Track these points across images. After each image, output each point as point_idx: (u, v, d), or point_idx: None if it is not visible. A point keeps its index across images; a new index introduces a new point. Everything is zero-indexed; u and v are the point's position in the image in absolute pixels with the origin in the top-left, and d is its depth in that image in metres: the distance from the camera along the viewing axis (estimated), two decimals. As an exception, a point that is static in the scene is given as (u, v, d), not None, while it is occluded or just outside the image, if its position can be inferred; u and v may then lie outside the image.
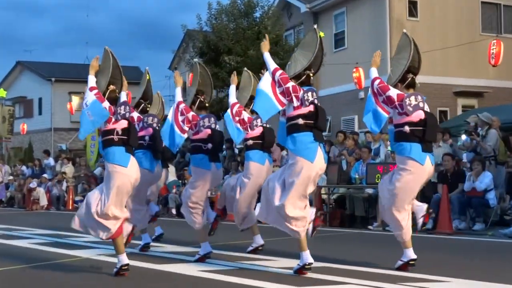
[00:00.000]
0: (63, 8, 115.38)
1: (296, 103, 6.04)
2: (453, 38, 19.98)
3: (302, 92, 6.05)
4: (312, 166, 5.97)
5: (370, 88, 6.35)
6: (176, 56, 31.40)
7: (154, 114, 8.06)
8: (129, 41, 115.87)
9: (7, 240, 9.78)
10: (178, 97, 7.08)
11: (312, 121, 6.02)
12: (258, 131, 7.68)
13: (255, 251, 7.75)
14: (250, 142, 7.63)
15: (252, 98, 7.36)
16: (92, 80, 6.29)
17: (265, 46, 6.44)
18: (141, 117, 7.94)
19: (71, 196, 19.47)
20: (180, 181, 16.97)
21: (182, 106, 7.08)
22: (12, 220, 14.77)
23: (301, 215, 6.05)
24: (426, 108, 6.31)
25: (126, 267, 6.18)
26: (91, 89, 6.21)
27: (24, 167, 23.78)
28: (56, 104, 36.23)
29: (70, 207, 19.02)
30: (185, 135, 7.14)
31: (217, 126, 7.19)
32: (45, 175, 21.54)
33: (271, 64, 6.25)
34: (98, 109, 6.09)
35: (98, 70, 6.41)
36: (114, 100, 6.30)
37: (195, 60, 8.06)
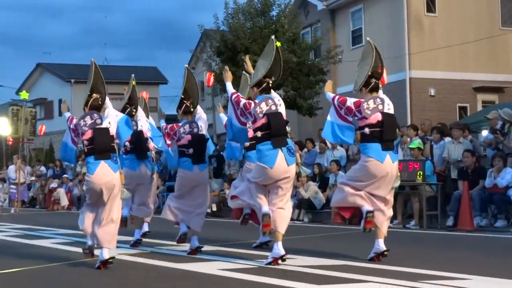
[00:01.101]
0: (81, 10, 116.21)
1: (250, 119, 6.65)
2: (472, 32, 19.81)
3: (253, 106, 6.61)
4: (272, 170, 6.51)
5: (332, 107, 6.93)
6: (194, 56, 31.46)
7: (131, 118, 8.38)
8: (146, 41, 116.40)
9: (30, 240, 9.89)
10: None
11: (267, 131, 6.51)
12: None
13: (261, 246, 8.09)
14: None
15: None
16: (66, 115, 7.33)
17: (228, 77, 7.20)
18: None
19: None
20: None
21: (163, 128, 7.80)
22: (34, 220, 14.93)
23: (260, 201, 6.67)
24: (388, 109, 6.78)
25: (110, 261, 6.68)
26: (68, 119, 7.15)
27: (43, 168, 24.01)
28: (75, 105, 36.40)
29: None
30: (172, 147, 7.79)
31: (200, 130, 7.71)
32: (66, 176, 21.73)
33: (229, 90, 6.98)
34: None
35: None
36: (96, 108, 6.90)
37: (186, 65, 8.21)
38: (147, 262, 7.10)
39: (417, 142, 12.05)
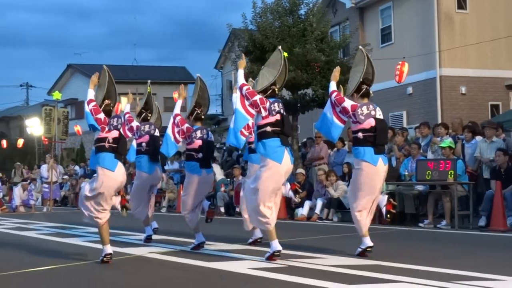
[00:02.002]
0: (111, 12, 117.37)
1: (264, 113, 6.92)
2: (504, 29, 19.51)
3: (269, 103, 6.94)
4: (280, 166, 6.84)
5: (328, 100, 7.26)
6: (222, 55, 31.57)
7: (151, 122, 9.19)
8: (175, 41, 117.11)
9: (62, 238, 10.03)
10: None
11: (279, 128, 6.89)
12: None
13: (255, 243, 8.46)
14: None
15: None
16: (90, 94, 7.38)
17: (241, 64, 7.42)
18: (138, 125, 9.01)
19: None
20: (228, 179, 17.08)
21: (178, 118, 8.11)
22: (66, 218, 15.14)
23: (268, 211, 6.95)
24: (379, 114, 7.15)
25: (109, 256, 7.05)
26: (89, 102, 7.30)
27: (77, 167, 24.32)
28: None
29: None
30: (179, 144, 8.23)
31: (210, 137, 8.16)
32: (96, 175, 21.94)
33: (240, 80, 7.18)
34: (88, 121, 7.28)
35: (98, 85, 7.48)
36: (108, 113, 7.33)
37: (198, 75, 8.49)
38: (179, 261, 7.15)
39: (448, 141, 11.92)
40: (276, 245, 6.85)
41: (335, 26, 22.84)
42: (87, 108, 7.25)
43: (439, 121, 17.12)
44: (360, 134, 7.03)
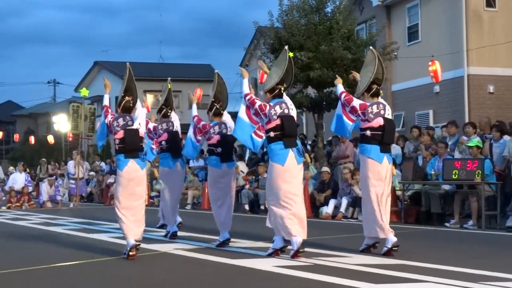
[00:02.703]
0: (137, 9, 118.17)
1: (265, 119, 7.15)
2: (534, 28, 19.20)
3: (268, 108, 7.12)
4: (283, 168, 7.03)
5: (339, 102, 7.52)
6: (247, 53, 31.56)
7: (167, 119, 9.41)
8: (201, 39, 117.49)
9: (88, 234, 10.13)
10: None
11: (280, 132, 7.07)
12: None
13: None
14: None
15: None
16: (106, 99, 7.79)
17: (245, 73, 7.77)
18: (155, 125, 9.35)
19: (147, 192, 19.92)
20: (253, 177, 17.09)
21: (195, 119, 8.45)
22: (92, 214, 15.28)
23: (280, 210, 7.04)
24: (388, 114, 7.36)
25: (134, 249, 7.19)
26: (103, 107, 7.69)
27: (102, 164, 24.51)
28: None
29: (146, 203, 19.47)
30: (200, 144, 8.52)
31: (229, 131, 8.27)
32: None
33: (245, 89, 7.47)
34: (101, 128, 7.62)
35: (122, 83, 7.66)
36: (128, 109, 7.51)
37: (216, 71, 8.74)
38: (203, 258, 7.18)
39: (476, 141, 11.78)
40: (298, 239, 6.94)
41: (361, 24, 22.71)
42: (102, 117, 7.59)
43: (466, 120, 16.92)
44: (368, 132, 7.24)
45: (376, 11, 22.53)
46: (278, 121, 7.12)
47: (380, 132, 7.21)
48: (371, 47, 7.83)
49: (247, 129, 7.53)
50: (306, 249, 7.17)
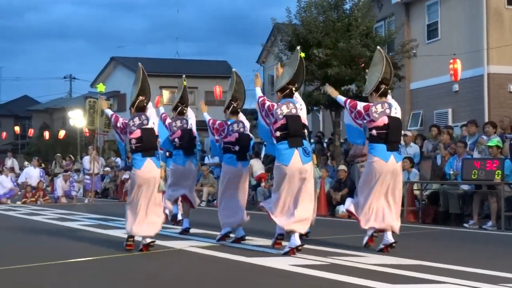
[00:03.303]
0: (153, 5, 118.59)
1: (272, 119, 7.29)
2: (556, 26, 18.98)
3: (275, 108, 7.26)
4: (287, 168, 7.12)
5: (345, 110, 7.70)
6: (264, 50, 31.53)
7: (181, 117, 9.50)
8: (217, 35, 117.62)
9: (104, 230, 10.20)
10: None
11: (285, 131, 7.17)
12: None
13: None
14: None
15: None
16: (109, 111, 8.46)
17: (258, 82, 7.90)
18: (171, 122, 9.41)
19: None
20: (270, 174, 17.08)
21: (210, 122, 8.69)
22: (107, 210, 15.37)
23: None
24: (395, 113, 7.45)
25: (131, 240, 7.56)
26: (112, 116, 8.10)
27: (118, 159, 24.60)
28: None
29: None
30: (219, 143, 8.58)
31: (246, 130, 8.44)
32: (137, 168, 22.16)
33: (257, 94, 7.69)
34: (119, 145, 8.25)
35: (134, 81, 7.95)
36: (141, 109, 7.68)
37: (234, 69, 8.85)
38: (218, 255, 7.19)
39: (495, 140, 11.69)
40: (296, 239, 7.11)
41: (380, 21, 22.59)
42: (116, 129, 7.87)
43: (486, 119, 16.79)
44: (374, 132, 7.35)
45: (395, 8, 22.41)
46: (283, 121, 7.22)
47: (385, 131, 7.31)
48: (378, 47, 7.94)
49: (266, 134, 7.63)
50: (322, 248, 7.17)
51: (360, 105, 7.45)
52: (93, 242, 8.61)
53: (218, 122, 8.64)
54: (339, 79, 16.08)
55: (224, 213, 8.42)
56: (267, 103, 7.40)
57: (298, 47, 7.65)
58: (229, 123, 8.44)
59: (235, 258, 6.92)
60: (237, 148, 8.32)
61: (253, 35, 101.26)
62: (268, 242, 8.00)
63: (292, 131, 7.19)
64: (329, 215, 13.90)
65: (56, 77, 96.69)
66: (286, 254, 7.05)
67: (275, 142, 7.39)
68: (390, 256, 7.05)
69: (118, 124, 7.78)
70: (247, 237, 8.33)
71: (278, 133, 7.22)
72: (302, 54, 7.47)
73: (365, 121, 7.42)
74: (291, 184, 7.15)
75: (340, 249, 7.62)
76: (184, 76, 9.92)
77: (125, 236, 7.84)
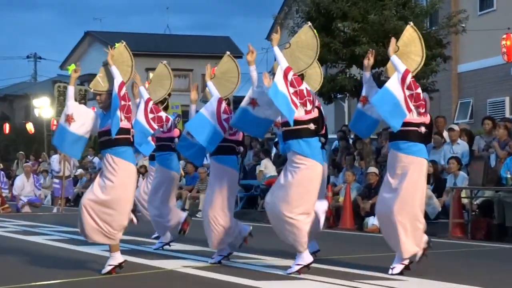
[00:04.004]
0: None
1: (309, 107, 7.37)
2: None
3: (312, 96, 7.44)
4: (321, 169, 7.46)
5: (396, 79, 7.33)
6: (276, 23, 31.54)
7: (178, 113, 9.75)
8: (218, 6, 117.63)
9: (75, 246, 10.23)
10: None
11: (316, 126, 7.40)
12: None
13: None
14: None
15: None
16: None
17: (275, 39, 7.58)
18: (169, 117, 9.54)
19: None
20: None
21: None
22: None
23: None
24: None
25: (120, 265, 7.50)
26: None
27: (95, 159, 24.56)
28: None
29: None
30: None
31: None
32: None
33: (283, 61, 7.43)
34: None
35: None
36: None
37: (227, 53, 8.70)
38: (218, 278, 7.24)
39: None
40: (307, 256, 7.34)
41: (420, -12, 22.55)
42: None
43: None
44: (422, 128, 7.49)
45: (440, -29, 22.37)
46: (316, 113, 7.46)
47: (428, 130, 7.62)
48: (410, 23, 7.99)
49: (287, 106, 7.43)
50: (347, 270, 7.19)
51: (420, 90, 7.45)
52: (63, 261, 8.65)
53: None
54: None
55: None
56: (303, 84, 7.47)
57: (309, 23, 7.85)
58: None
59: (238, 282, 6.95)
60: (241, 148, 8.64)
61: (262, 5, 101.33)
62: (277, 261, 8.04)
63: (321, 127, 7.51)
64: (356, 229, 13.92)
65: (17, 57, 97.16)
66: (295, 273, 7.21)
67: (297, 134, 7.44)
68: (434, 280, 7.05)
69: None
70: (252, 255, 8.38)
71: (312, 126, 7.36)
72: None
73: (418, 110, 7.41)
74: (318, 185, 7.45)
75: (369, 270, 7.64)
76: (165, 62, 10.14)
77: (103, 253, 7.87)
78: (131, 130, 7.66)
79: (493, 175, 12.40)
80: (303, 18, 17.40)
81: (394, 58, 7.45)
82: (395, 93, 7.30)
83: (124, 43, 7.95)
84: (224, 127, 8.15)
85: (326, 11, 16.39)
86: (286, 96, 7.26)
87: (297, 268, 7.25)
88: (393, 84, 7.35)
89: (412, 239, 7.27)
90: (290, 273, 7.24)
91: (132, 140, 7.66)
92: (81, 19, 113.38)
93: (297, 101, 7.31)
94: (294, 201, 7.25)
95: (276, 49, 7.51)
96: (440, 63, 16.44)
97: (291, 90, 7.31)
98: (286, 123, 7.39)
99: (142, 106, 8.92)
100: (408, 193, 7.27)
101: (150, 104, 8.97)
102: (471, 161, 13.56)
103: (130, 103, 7.62)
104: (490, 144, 13.44)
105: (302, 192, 7.27)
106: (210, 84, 8.45)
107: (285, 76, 7.33)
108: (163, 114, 9.27)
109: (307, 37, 7.72)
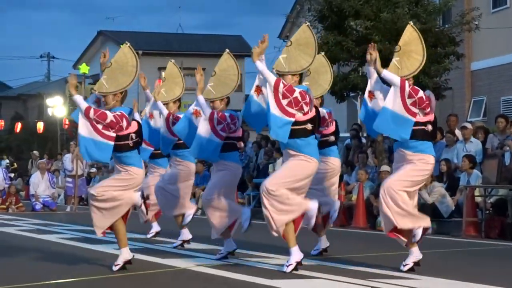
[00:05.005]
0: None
1: (305, 109, 7.48)
2: None
3: (308, 97, 7.48)
4: (316, 165, 7.63)
5: (392, 94, 7.44)
6: (288, 22, 31.52)
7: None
8: (230, 4, 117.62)
9: (90, 245, 10.26)
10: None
11: (313, 125, 7.56)
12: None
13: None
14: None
15: None
16: (79, 100, 7.56)
17: (256, 54, 7.56)
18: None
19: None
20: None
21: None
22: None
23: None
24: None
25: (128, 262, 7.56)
26: (86, 111, 7.48)
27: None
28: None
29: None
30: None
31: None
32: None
33: (270, 77, 7.48)
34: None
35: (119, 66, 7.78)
36: None
37: (227, 50, 8.69)
38: (231, 276, 7.23)
39: None
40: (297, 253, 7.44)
41: (433, -15, 22.47)
42: (85, 124, 7.48)
43: None
44: (429, 126, 7.57)
45: (453, -32, 22.27)
46: (314, 113, 7.59)
47: (432, 127, 7.68)
48: (411, 22, 7.98)
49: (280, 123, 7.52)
50: (359, 268, 7.16)
51: (421, 92, 7.54)
52: (77, 259, 8.67)
53: (220, 114, 8.59)
54: (381, 58, 15.96)
55: None
56: (296, 90, 7.53)
57: (308, 23, 8.04)
58: (226, 115, 8.49)
59: (251, 280, 6.94)
60: (242, 144, 8.78)
61: (274, 3, 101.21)
62: (288, 258, 8.02)
63: (318, 126, 7.72)
64: (368, 228, 13.89)
65: (31, 56, 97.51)
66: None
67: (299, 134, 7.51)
68: (445, 278, 7.02)
69: (108, 120, 7.70)
70: (264, 254, 8.38)
71: (309, 126, 7.49)
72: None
73: (425, 111, 7.51)
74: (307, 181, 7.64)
75: (383, 269, 7.63)
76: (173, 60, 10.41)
77: (116, 252, 7.87)
78: (131, 134, 7.63)
79: (507, 173, 12.35)
80: (315, 16, 17.38)
81: (385, 73, 7.62)
82: (393, 107, 7.45)
83: (129, 44, 7.97)
84: (222, 136, 8.33)
85: (339, 9, 16.37)
86: (277, 118, 7.41)
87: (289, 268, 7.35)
88: (389, 101, 7.50)
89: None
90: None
91: (132, 144, 7.66)
92: (94, 19, 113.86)
93: (292, 111, 7.43)
94: (280, 177, 7.48)
95: (259, 63, 7.56)
96: (453, 61, 16.39)
97: (284, 102, 7.43)
98: (296, 122, 7.51)
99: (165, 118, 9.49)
100: (407, 173, 7.45)
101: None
102: (485, 159, 13.50)
103: (104, 112, 7.50)
104: (504, 142, 13.39)
105: (291, 174, 7.46)
106: (200, 97, 8.54)
107: (276, 91, 7.42)
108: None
109: (306, 35, 7.87)
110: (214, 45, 40.13)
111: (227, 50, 8.76)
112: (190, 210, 9.93)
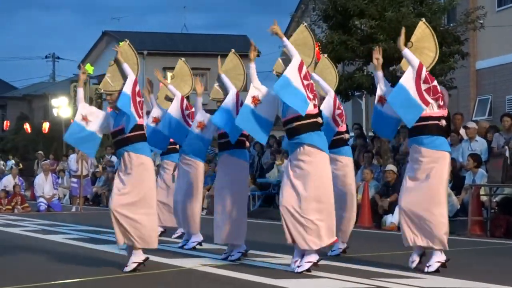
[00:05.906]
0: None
1: (316, 101, 7.53)
2: None
3: (314, 90, 7.53)
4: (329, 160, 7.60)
5: (411, 73, 7.34)
6: (293, 21, 31.50)
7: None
8: (235, 4, 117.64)
9: (93, 245, 10.28)
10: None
11: (319, 118, 7.54)
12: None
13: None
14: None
15: None
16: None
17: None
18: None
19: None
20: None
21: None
22: (99, 220, 15.46)
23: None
24: None
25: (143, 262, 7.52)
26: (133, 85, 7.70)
27: (114, 157, 24.60)
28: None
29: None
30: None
31: None
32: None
33: (296, 55, 7.49)
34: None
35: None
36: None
37: (232, 50, 8.73)
38: (238, 276, 7.24)
39: None
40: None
41: (438, -16, 22.44)
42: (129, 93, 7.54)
43: None
44: (443, 122, 7.50)
45: (457, -33, 22.25)
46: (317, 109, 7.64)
47: (446, 123, 7.66)
48: (422, 19, 7.89)
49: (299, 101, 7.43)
50: (365, 268, 7.15)
51: (436, 82, 7.47)
52: (82, 260, 8.68)
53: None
54: (386, 57, 15.97)
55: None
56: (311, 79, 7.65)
57: (305, 24, 8.12)
58: None
59: (257, 280, 6.94)
60: (247, 142, 8.91)
61: (279, 3, 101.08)
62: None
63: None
64: (374, 227, 13.88)
65: (36, 57, 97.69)
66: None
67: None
68: (451, 277, 7.01)
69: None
70: (270, 254, 8.36)
71: (320, 119, 7.49)
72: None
73: (437, 103, 7.42)
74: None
75: (388, 268, 7.62)
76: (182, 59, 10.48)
77: (122, 252, 7.88)
78: (144, 126, 7.80)
79: (514, 171, 12.33)
80: (320, 16, 17.40)
81: (406, 52, 7.46)
82: (409, 88, 7.31)
83: (128, 41, 7.98)
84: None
85: (343, 8, 16.37)
86: (298, 90, 7.28)
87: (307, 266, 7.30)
88: (407, 80, 7.36)
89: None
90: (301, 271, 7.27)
91: (145, 136, 7.74)
92: (99, 19, 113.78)
93: (310, 95, 7.37)
94: (309, 196, 7.26)
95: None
96: (458, 60, 16.38)
97: (305, 82, 7.38)
98: (289, 121, 7.43)
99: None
100: (434, 187, 7.31)
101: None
102: (490, 158, 13.48)
103: (143, 99, 7.65)
104: (509, 140, 13.36)
105: (318, 185, 7.29)
106: (223, 76, 8.58)
107: (300, 69, 7.39)
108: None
109: (303, 36, 7.92)
110: (219, 45, 40.10)
111: (233, 50, 8.79)
112: (196, 237, 9.82)
